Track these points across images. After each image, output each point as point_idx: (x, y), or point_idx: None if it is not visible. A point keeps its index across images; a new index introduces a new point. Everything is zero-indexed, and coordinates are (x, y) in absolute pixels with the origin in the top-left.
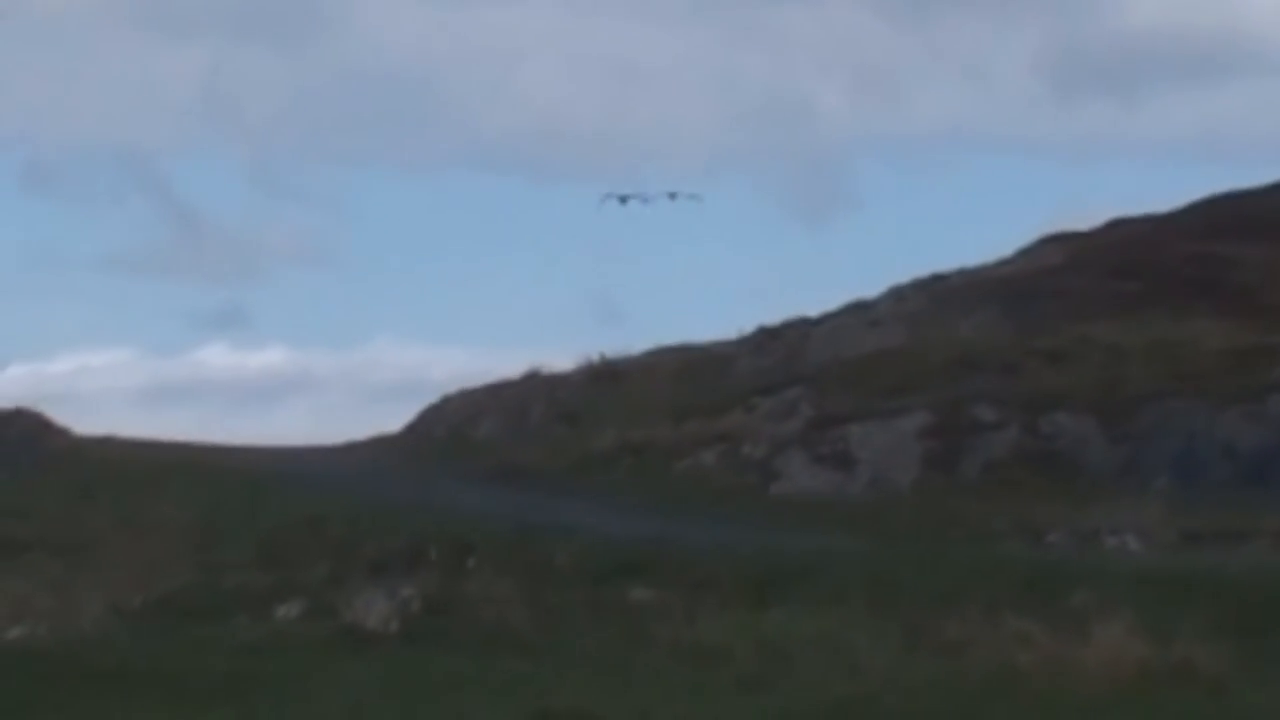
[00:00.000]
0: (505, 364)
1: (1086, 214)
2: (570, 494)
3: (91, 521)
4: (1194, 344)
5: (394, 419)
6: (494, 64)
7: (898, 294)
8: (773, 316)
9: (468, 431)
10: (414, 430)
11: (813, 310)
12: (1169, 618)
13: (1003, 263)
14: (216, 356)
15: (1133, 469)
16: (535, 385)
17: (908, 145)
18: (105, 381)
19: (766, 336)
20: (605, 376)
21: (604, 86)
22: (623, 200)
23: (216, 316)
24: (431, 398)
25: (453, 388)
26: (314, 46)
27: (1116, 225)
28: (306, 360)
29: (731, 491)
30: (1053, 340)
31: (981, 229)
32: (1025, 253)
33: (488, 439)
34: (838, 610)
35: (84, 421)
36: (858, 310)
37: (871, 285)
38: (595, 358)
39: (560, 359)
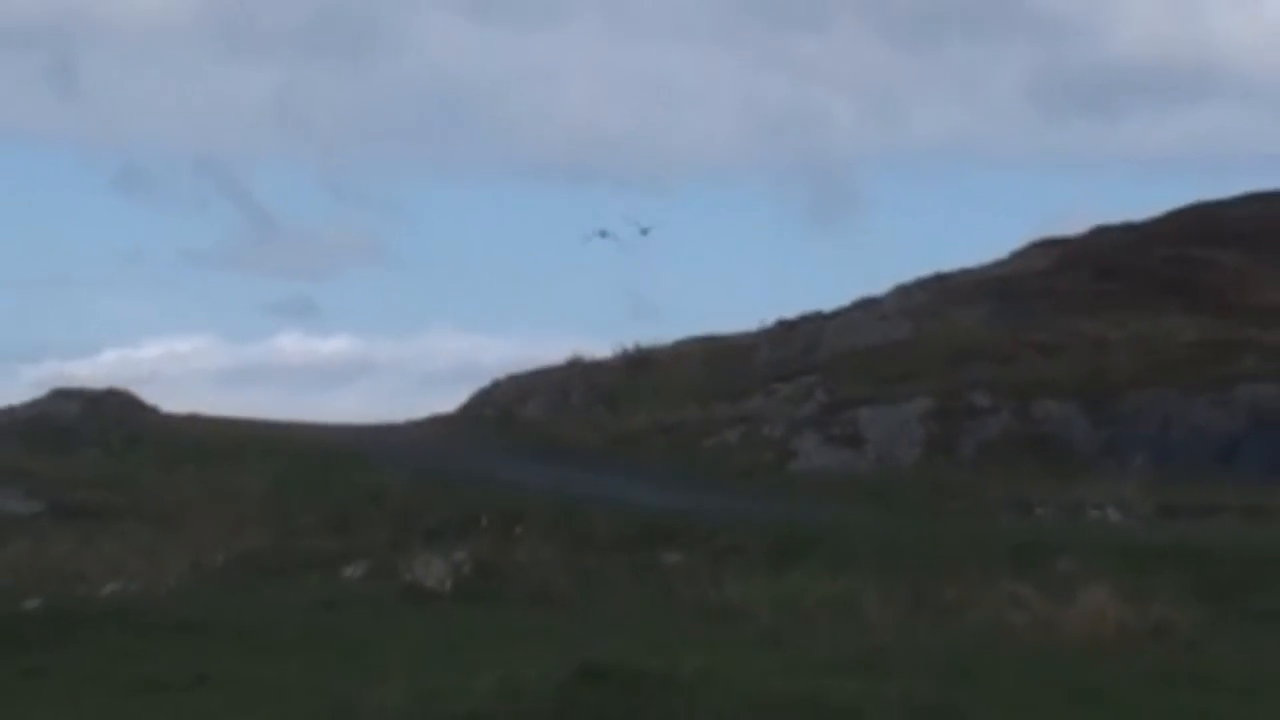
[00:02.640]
0: (549, 351)
1: (1073, 221)
2: (608, 469)
3: (178, 491)
4: (1169, 338)
5: (449, 401)
6: (538, 81)
7: (903, 291)
8: (790, 311)
9: (515, 412)
10: (467, 411)
11: (826, 305)
12: (1146, 583)
13: (998, 264)
14: (289, 344)
15: (1113, 450)
16: (576, 371)
17: (911, 158)
18: (189, 365)
19: (785, 329)
20: (639, 363)
21: (638, 103)
22: (603, 234)
23: (289, 308)
24: (483, 381)
25: (502, 373)
26: (377, 65)
27: (1100, 232)
28: (370, 347)
29: (752, 468)
30: (1043, 334)
31: (978, 234)
32: (1018, 255)
33: (533, 419)
34: (849, 575)
35: (170, 401)
36: (867, 306)
37: (879, 283)
38: (630, 346)
39: (598, 347)
